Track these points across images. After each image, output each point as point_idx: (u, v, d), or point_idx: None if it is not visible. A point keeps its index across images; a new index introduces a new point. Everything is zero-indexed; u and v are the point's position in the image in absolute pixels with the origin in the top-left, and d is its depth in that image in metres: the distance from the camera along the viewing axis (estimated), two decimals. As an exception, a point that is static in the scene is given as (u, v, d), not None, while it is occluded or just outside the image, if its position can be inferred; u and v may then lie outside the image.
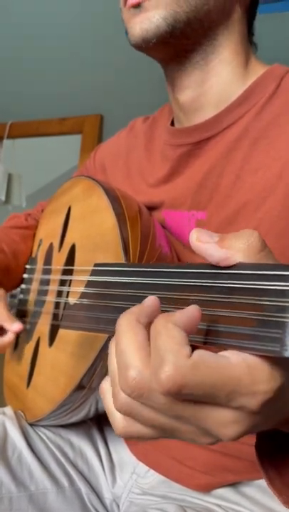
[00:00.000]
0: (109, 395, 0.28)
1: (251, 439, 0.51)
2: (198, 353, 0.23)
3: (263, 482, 0.52)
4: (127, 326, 0.25)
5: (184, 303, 0.28)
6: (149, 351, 0.24)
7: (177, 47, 0.53)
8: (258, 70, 0.56)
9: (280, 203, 0.49)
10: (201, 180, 0.55)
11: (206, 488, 0.53)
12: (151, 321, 0.25)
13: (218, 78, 0.55)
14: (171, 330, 0.23)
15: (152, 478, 0.57)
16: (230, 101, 0.55)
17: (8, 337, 0.61)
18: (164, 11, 0.50)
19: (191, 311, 0.25)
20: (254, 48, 0.60)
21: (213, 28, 0.53)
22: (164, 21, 0.50)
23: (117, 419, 0.27)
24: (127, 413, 0.25)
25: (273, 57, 0.58)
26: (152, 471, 0.58)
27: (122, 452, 0.63)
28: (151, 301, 0.27)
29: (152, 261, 0.48)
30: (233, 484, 0.53)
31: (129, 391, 0.24)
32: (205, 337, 0.26)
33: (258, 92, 0.53)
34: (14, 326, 0.60)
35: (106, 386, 0.29)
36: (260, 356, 0.23)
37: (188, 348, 0.23)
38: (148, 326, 0.25)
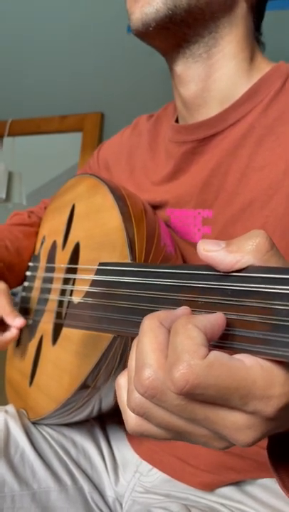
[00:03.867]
0: (124, 390, 0.28)
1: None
2: (213, 353, 0.22)
3: (266, 481, 0.52)
4: (149, 326, 0.25)
5: (192, 305, 0.28)
6: (166, 354, 0.24)
7: (178, 36, 0.53)
8: (263, 67, 0.56)
9: (286, 200, 0.48)
10: (207, 178, 0.55)
11: (210, 487, 0.53)
12: None
13: (222, 73, 0.55)
14: (190, 330, 0.23)
15: (155, 476, 0.57)
16: (235, 98, 0.54)
17: (11, 333, 0.60)
18: None
19: (215, 318, 0.24)
20: (262, 47, 0.60)
21: (215, 19, 0.53)
22: (164, 5, 0.50)
23: (130, 416, 0.27)
24: (140, 414, 0.25)
25: (275, 56, 0.58)
26: (155, 470, 0.57)
27: (124, 451, 0.62)
28: (182, 310, 0.27)
29: (158, 260, 0.48)
30: (236, 483, 0.53)
31: (142, 390, 0.24)
32: (217, 340, 0.25)
33: (264, 89, 0.53)
34: (16, 322, 0.59)
35: (122, 382, 0.28)
36: (274, 361, 0.23)
37: (205, 350, 0.22)
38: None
